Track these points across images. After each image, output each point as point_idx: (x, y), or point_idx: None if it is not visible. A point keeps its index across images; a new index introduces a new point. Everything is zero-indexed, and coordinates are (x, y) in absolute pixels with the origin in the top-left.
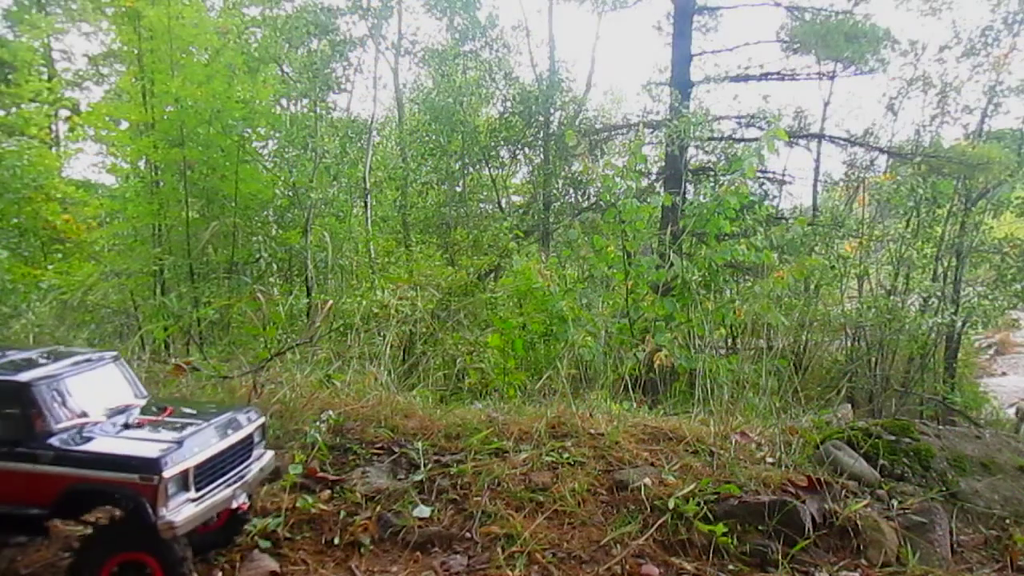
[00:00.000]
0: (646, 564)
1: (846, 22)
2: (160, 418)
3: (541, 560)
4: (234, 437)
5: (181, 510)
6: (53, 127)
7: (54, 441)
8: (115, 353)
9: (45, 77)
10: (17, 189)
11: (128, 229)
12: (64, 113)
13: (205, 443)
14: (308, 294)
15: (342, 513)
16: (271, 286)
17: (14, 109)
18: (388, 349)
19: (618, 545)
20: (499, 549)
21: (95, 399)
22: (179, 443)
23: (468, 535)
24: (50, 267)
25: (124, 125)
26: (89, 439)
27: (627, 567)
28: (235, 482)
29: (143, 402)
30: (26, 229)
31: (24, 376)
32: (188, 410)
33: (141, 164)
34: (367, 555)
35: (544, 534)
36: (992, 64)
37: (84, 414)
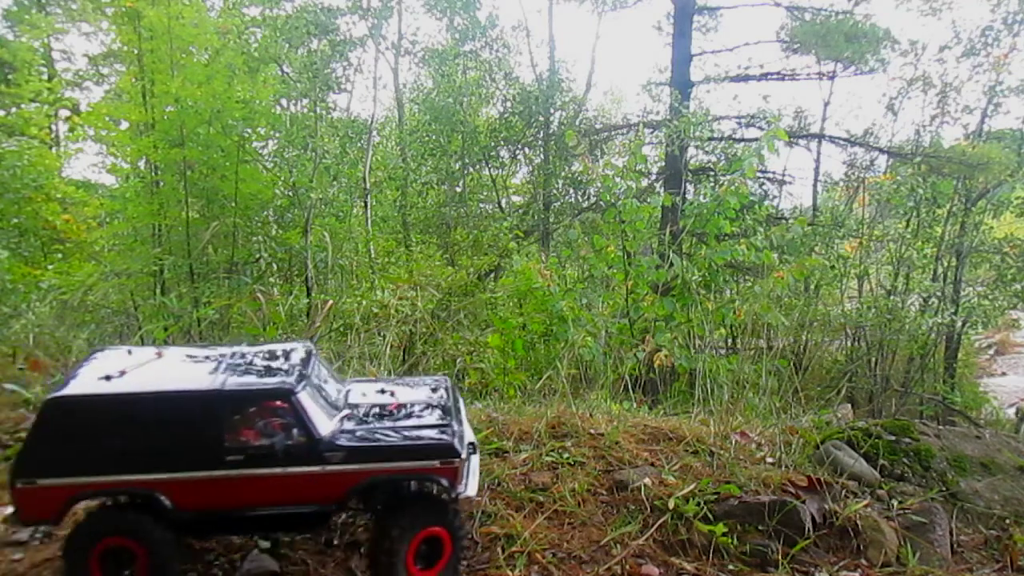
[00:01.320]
0: (646, 564)
1: (846, 22)
2: (400, 401)
3: (541, 560)
4: (461, 406)
5: (468, 484)
6: (53, 127)
7: (340, 440)
8: (310, 342)
9: (45, 77)
10: (17, 189)
11: (128, 229)
12: (64, 113)
13: (460, 418)
14: (308, 294)
15: (342, 513)
16: (271, 286)
17: (14, 109)
18: (388, 349)
19: (618, 545)
20: (499, 549)
21: (330, 391)
22: (449, 424)
23: (468, 535)
24: (50, 267)
25: (124, 125)
26: (370, 433)
27: (627, 567)
28: (472, 448)
29: (355, 386)
30: (26, 229)
31: (288, 382)
32: (406, 388)
33: (141, 164)
34: (367, 555)
35: (544, 534)
36: (992, 64)
37: (336, 408)
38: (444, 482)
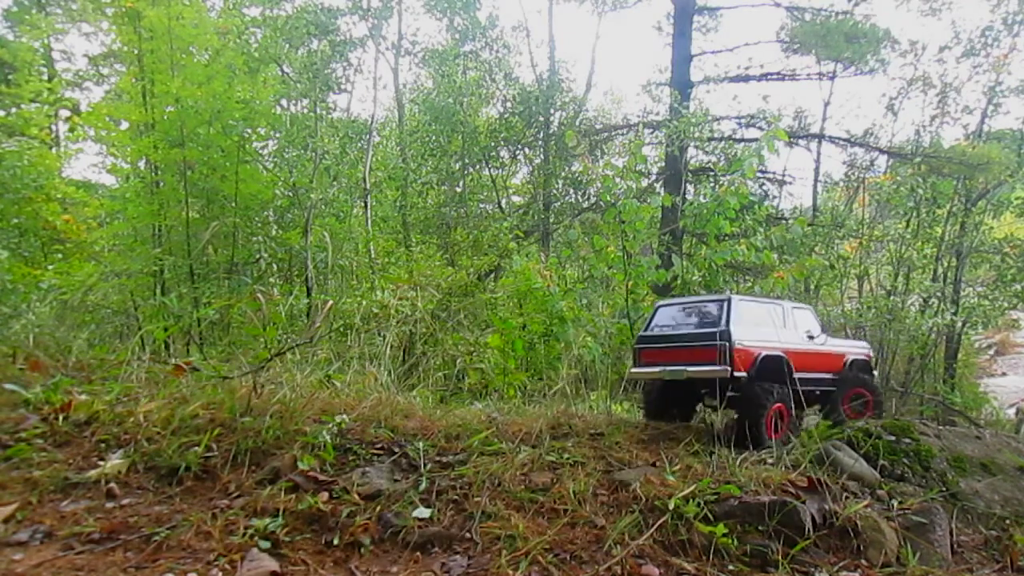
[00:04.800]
0: (646, 564)
1: (846, 22)
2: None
3: (541, 560)
4: None
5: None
6: (53, 127)
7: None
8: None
9: (45, 77)
10: (17, 189)
11: (128, 229)
12: (64, 113)
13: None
14: (308, 294)
15: (342, 513)
16: (271, 286)
17: (14, 109)
18: (388, 349)
19: (618, 545)
20: (499, 549)
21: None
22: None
23: (468, 535)
24: (50, 267)
25: (124, 125)
26: (841, 340)
27: (627, 567)
28: None
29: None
30: (26, 229)
31: (808, 303)
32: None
33: (141, 164)
34: (367, 555)
35: (544, 534)
36: (992, 64)
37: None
38: (869, 364)
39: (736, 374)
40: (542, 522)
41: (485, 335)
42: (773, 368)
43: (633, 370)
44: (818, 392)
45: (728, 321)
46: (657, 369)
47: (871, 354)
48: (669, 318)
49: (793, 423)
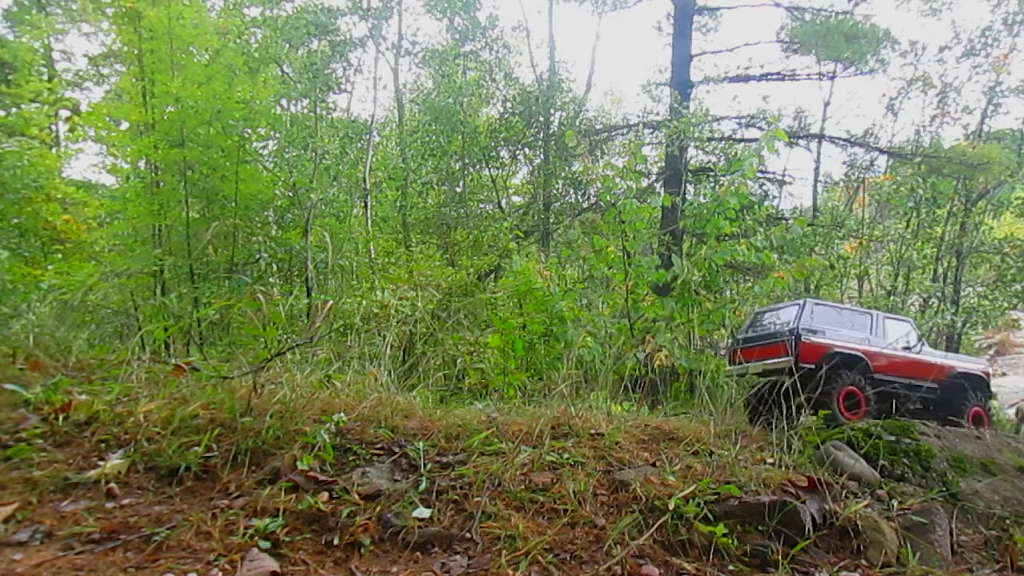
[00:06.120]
0: (646, 564)
1: (846, 22)
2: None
3: (541, 560)
4: None
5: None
6: (53, 127)
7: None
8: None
9: (45, 77)
10: (17, 189)
11: (128, 229)
12: (64, 113)
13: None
14: (308, 294)
15: (342, 513)
16: (271, 286)
17: (14, 109)
18: (388, 349)
19: (618, 545)
20: (499, 549)
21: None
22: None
23: (468, 535)
24: (50, 267)
25: (124, 125)
26: (950, 354)
27: (627, 567)
28: None
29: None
30: (26, 229)
31: (909, 316)
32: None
33: (141, 164)
34: (367, 555)
35: (544, 534)
36: (992, 65)
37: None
38: (986, 382)
39: (804, 364)
40: (542, 522)
41: (485, 335)
42: (848, 363)
43: (728, 368)
44: (915, 396)
45: (800, 320)
46: (744, 366)
47: (989, 372)
48: (760, 322)
49: (871, 412)
